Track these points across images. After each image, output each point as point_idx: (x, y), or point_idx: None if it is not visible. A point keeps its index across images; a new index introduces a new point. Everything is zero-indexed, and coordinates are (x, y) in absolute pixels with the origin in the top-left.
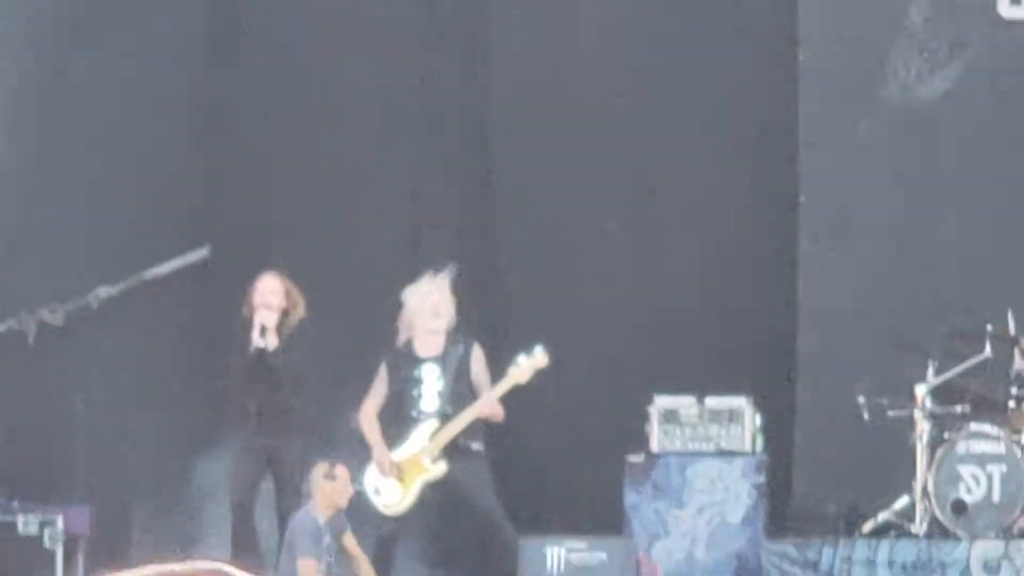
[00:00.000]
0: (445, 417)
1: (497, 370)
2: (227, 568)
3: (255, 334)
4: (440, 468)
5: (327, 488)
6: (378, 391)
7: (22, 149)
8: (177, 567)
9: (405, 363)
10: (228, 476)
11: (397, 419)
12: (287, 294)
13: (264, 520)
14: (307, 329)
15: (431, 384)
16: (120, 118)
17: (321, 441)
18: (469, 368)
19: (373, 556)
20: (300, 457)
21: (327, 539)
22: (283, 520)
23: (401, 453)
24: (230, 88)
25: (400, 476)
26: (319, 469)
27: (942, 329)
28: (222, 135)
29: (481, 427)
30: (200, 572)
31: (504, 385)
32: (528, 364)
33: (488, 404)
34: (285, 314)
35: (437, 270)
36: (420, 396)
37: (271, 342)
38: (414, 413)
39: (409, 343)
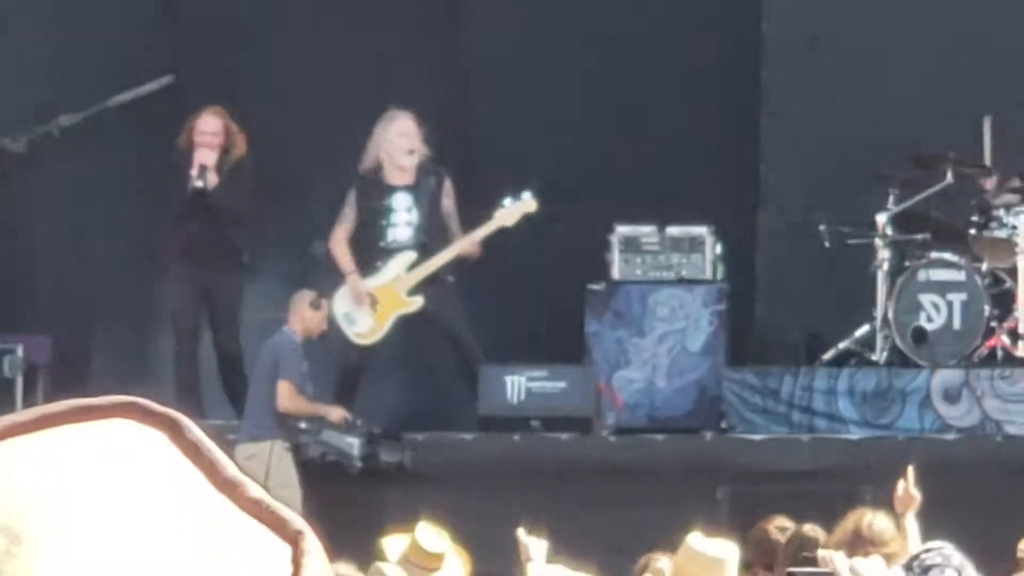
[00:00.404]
0: (422, 248)
1: (467, 208)
2: (142, 401)
3: (194, 172)
4: (416, 301)
5: (308, 315)
6: (347, 217)
7: None
8: (93, 400)
9: (375, 191)
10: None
11: (366, 248)
12: (227, 132)
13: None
14: (247, 167)
15: (402, 214)
16: None
17: (261, 278)
18: (440, 200)
19: (337, 384)
20: (237, 295)
21: (305, 365)
22: (222, 357)
23: (374, 282)
24: None
25: (374, 306)
26: (304, 296)
27: (903, 156)
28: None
29: (453, 259)
30: (116, 404)
31: (489, 227)
32: (515, 208)
33: (471, 243)
34: (225, 152)
35: (404, 106)
36: (390, 225)
37: (210, 181)
38: (383, 243)
39: (379, 171)
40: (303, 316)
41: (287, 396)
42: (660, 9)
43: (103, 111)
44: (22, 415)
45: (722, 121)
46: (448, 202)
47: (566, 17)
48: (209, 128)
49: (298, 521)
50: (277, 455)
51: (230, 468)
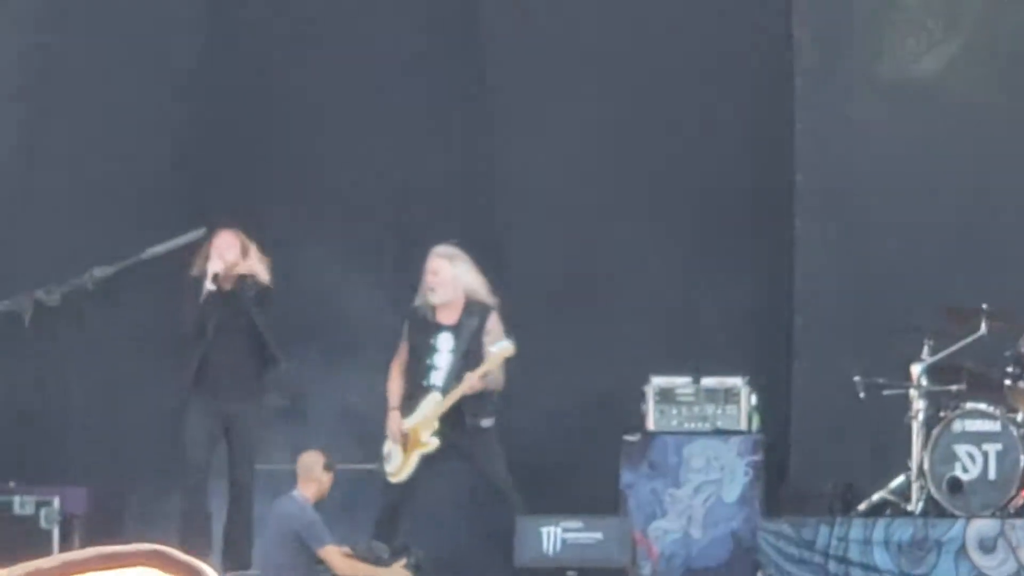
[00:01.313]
0: (447, 390)
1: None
2: (166, 550)
3: (207, 282)
4: (433, 443)
5: (324, 479)
6: (402, 350)
7: (18, 131)
8: (118, 549)
9: (423, 328)
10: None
11: (412, 384)
12: (243, 248)
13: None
14: (271, 296)
15: (444, 355)
16: (117, 99)
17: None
18: (481, 340)
19: (377, 521)
20: (257, 425)
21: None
22: (236, 488)
23: (409, 422)
24: (227, 71)
25: (404, 445)
26: (315, 457)
27: (937, 308)
28: (219, 117)
29: (491, 404)
30: (140, 552)
31: (484, 367)
32: (498, 353)
33: (469, 384)
34: (242, 277)
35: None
36: (432, 366)
37: (223, 285)
38: (425, 383)
39: (432, 308)
40: (318, 479)
41: (342, 563)
42: (694, 152)
43: (137, 263)
44: (46, 562)
45: (756, 272)
46: (489, 340)
47: (595, 153)
48: (223, 243)
49: None
50: None
51: None
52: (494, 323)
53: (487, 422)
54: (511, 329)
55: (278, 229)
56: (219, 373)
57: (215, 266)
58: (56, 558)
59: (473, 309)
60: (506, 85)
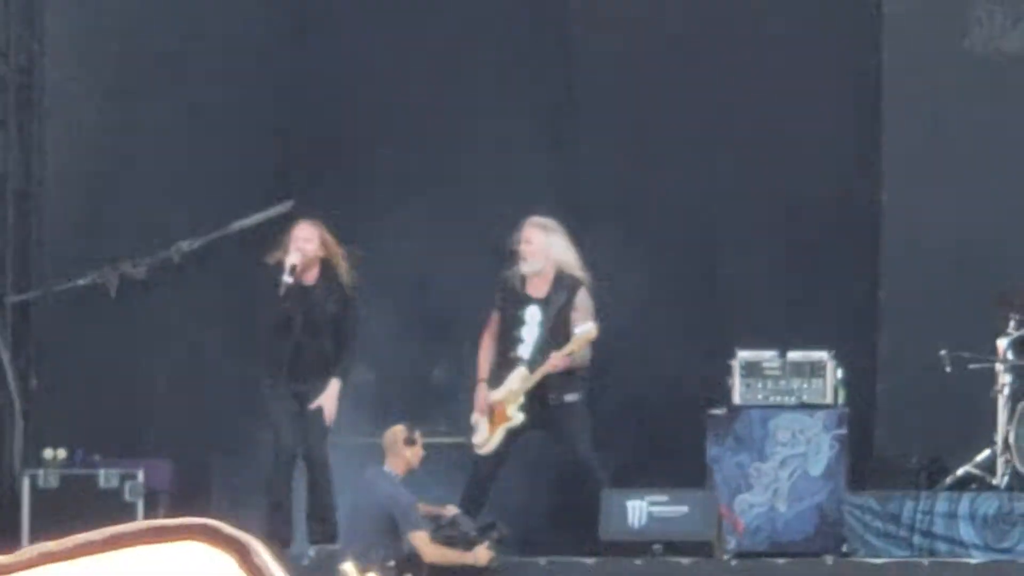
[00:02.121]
0: (533, 365)
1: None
2: (215, 523)
3: (285, 275)
4: (519, 418)
5: (407, 453)
6: (493, 320)
7: (107, 105)
8: (166, 522)
9: (513, 300)
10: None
11: (502, 356)
12: (323, 242)
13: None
14: (353, 304)
15: (532, 328)
16: (204, 71)
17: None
18: (569, 315)
19: (463, 495)
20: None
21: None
22: (311, 464)
23: (496, 395)
24: (316, 43)
25: (491, 418)
26: (398, 433)
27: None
28: (307, 90)
29: (577, 380)
30: (188, 526)
31: (569, 347)
32: (583, 335)
33: (553, 363)
34: (324, 264)
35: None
36: (520, 339)
37: (302, 279)
38: (512, 354)
39: (523, 279)
40: (403, 455)
41: (431, 550)
42: (782, 135)
43: (223, 236)
44: (95, 535)
45: (842, 246)
46: (577, 316)
47: (680, 158)
48: (302, 234)
49: None
50: None
51: None
52: (583, 299)
53: (572, 397)
54: (599, 303)
55: (363, 202)
56: (300, 366)
57: (293, 258)
58: (104, 531)
59: (563, 283)
60: (592, 93)
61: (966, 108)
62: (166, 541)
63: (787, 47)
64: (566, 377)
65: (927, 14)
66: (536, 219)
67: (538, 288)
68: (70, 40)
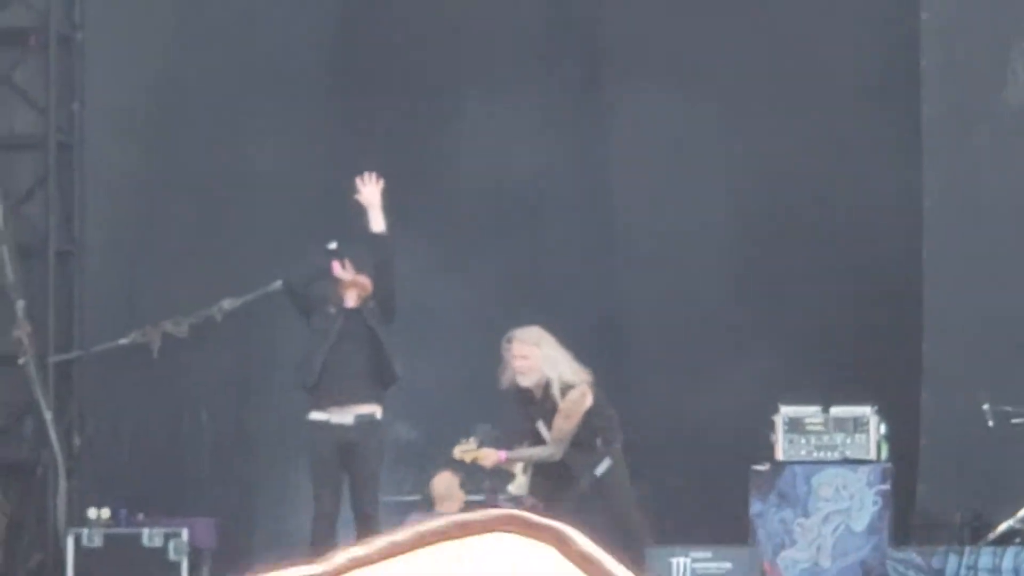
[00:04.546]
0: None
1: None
2: (523, 514)
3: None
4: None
5: (460, 496)
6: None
7: (147, 164)
8: (472, 516)
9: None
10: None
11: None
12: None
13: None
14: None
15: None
16: (246, 132)
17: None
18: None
19: None
20: (378, 456)
21: None
22: (361, 519)
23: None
24: (354, 104)
25: (524, 468)
26: (452, 482)
27: None
28: (350, 154)
29: (593, 455)
30: (496, 518)
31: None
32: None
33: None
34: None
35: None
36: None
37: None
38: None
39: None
40: (458, 499)
41: None
42: (819, 203)
43: (264, 295)
44: (400, 535)
45: (885, 300)
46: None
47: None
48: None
49: None
50: None
51: None
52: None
53: (601, 469)
54: (638, 355)
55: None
56: (339, 385)
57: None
58: (409, 531)
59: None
60: (622, 96)
61: (1005, 160)
62: (474, 534)
63: (825, 98)
64: (587, 453)
65: (967, 66)
66: (522, 334)
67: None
68: (110, 101)
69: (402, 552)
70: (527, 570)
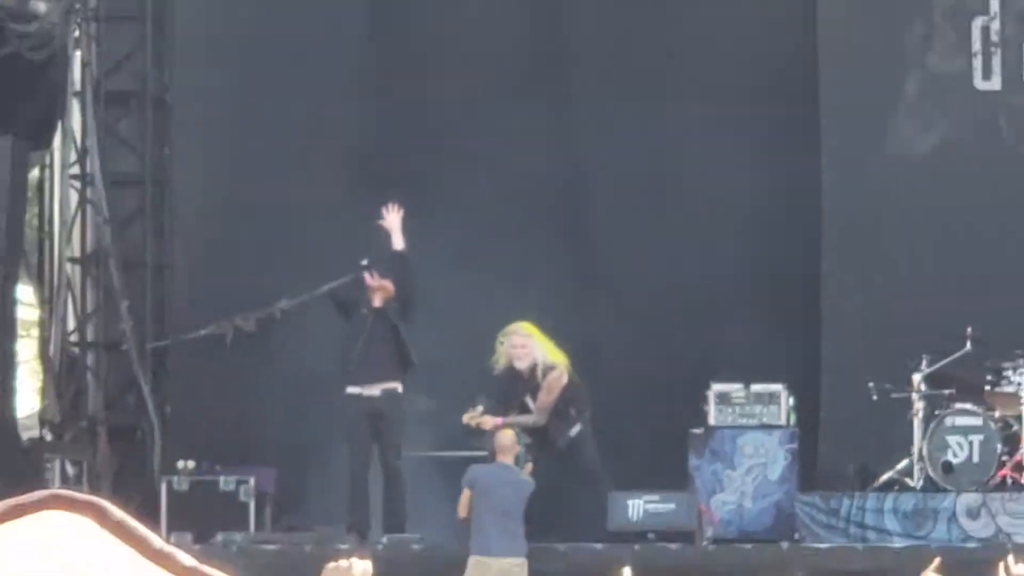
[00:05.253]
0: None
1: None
2: (64, 492)
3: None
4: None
5: (509, 459)
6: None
7: (222, 198)
8: (21, 498)
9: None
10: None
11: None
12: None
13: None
14: (413, 312)
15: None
16: (297, 173)
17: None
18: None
19: None
20: (400, 420)
21: None
22: (388, 470)
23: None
24: (393, 118)
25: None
26: (512, 434)
27: (932, 332)
28: (391, 168)
29: (570, 420)
30: (41, 498)
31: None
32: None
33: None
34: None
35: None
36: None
37: (374, 301)
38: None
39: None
40: (515, 450)
41: None
42: (736, 209)
43: (314, 297)
44: None
45: (792, 307)
46: (541, 393)
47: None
48: (373, 283)
49: None
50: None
51: (158, 542)
52: (549, 381)
53: (575, 431)
54: (606, 338)
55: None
56: (369, 368)
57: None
58: None
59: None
60: (592, 100)
61: (891, 199)
62: (27, 514)
63: (725, 94)
64: (563, 420)
65: (864, 54)
66: (520, 328)
67: (525, 374)
68: (192, 146)
69: None
70: (68, 542)
